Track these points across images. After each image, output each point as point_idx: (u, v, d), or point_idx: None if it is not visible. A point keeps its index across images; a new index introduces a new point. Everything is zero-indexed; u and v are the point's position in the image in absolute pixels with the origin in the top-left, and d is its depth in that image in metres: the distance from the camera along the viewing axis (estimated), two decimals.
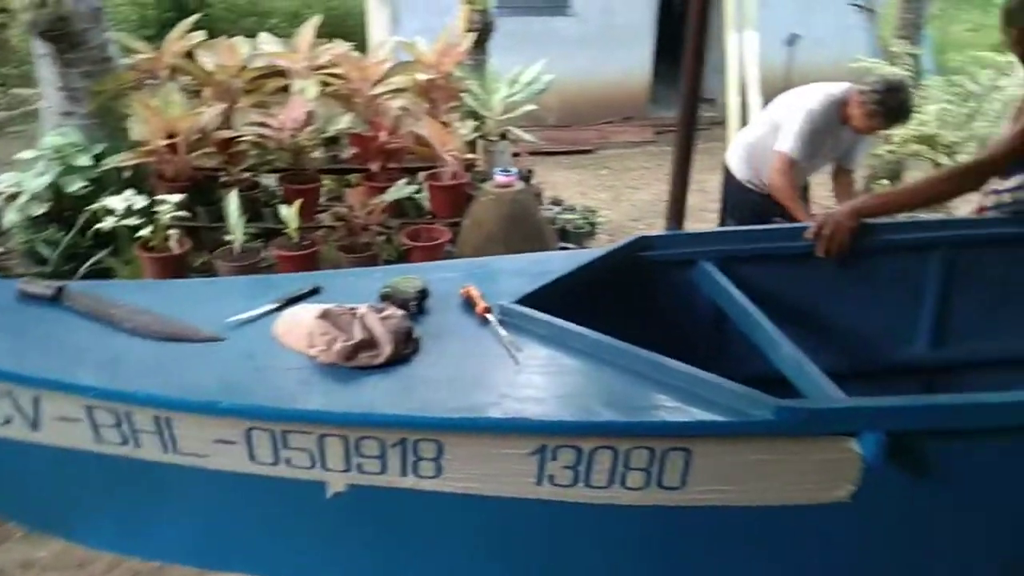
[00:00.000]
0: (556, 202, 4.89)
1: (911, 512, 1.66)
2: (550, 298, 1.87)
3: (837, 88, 3.39)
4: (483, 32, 4.90)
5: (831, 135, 3.43)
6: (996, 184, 2.36)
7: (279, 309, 1.77)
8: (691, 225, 5.19)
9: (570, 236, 4.36)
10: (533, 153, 6.24)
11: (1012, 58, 2.33)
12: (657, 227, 4.74)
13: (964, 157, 4.42)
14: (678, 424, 1.49)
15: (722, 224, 3.72)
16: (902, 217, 2.48)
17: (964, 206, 2.49)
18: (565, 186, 6.52)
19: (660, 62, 8.02)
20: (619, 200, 6.40)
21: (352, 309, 1.63)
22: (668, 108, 7.74)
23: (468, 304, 1.82)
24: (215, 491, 1.66)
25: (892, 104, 3.26)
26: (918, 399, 1.55)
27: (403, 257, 3.70)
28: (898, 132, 4.64)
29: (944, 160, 4.53)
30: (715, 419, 1.49)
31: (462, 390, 1.56)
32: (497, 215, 3.74)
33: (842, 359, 2.29)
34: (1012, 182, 2.33)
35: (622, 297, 2.08)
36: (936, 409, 1.56)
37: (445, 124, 3.99)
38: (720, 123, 6.97)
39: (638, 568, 1.72)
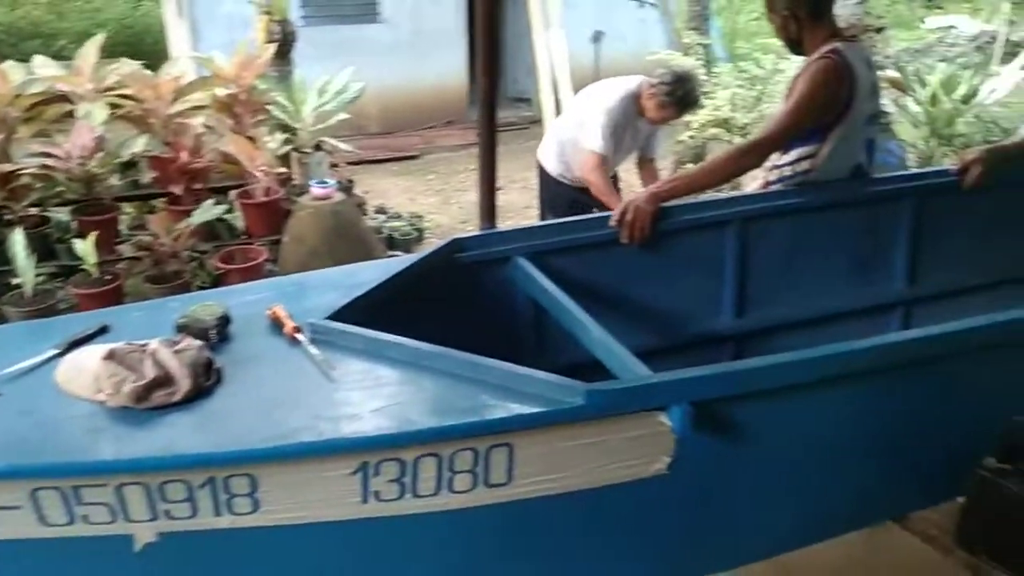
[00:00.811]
0: (381, 210, 4.83)
1: (727, 473, 1.75)
2: (364, 310, 1.82)
3: (631, 82, 3.56)
4: (284, 42, 4.76)
5: (631, 128, 3.60)
6: (777, 159, 2.54)
7: (61, 354, 1.61)
8: (517, 222, 5.31)
9: (397, 244, 4.32)
10: (358, 162, 6.14)
11: None
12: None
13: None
14: (496, 421, 1.49)
15: (543, 219, 3.80)
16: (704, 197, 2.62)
17: (752, 183, 2.68)
18: (393, 193, 6.46)
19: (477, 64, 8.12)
20: (447, 203, 6.42)
21: (143, 345, 1.51)
22: None
23: (276, 325, 1.74)
24: (2, 564, 1.49)
25: (681, 94, 3.46)
26: (716, 368, 1.64)
27: (218, 282, 3.52)
28: (696, 117, 4.94)
29: (739, 140, 4.87)
30: (531, 411, 1.50)
31: (272, 417, 1.49)
32: (318, 229, 3.64)
33: (656, 336, 2.40)
34: (791, 156, 2.53)
35: (440, 302, 2.06)
36: (732, 376, 1.65)
37: (252, 139, 3.83)
38: (538, 121, 7.15)
39: (478, 569, 1.71)
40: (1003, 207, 2.77)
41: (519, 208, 5.67)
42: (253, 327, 1.75)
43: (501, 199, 6.61)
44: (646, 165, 3.84)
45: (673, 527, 1.79)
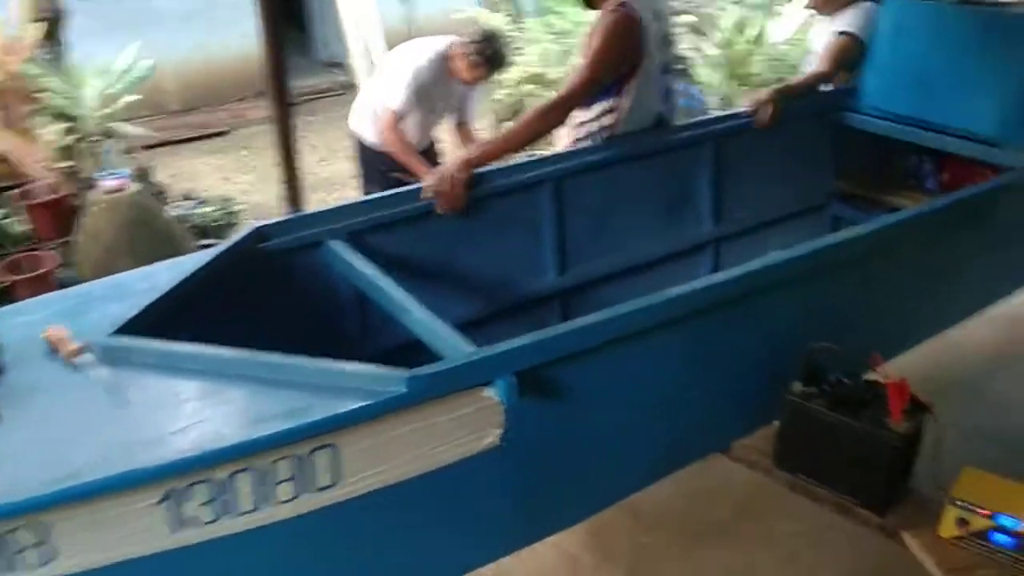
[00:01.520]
0: (188, 196, 4.49)
1: (561, 433, 1.77)
2: (160, 318, 1.67)
3: (441, 43, 3.48)
4: (54, 20, 4.26)
5: (442, 90, 3.52)
6: (581, 116, 2.56)
7: None
8: (345, 195, 5.11)
9: (209, 231, 4.04)
10: (160, 145, 5.68)
11: None
12: (313, 202, 4.59)
13: None
14: (313, 423, 1.41)
15: (365, 193, 3.67)
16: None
17: (560, 141, 2.69)
18: (205, 174, 6.05)
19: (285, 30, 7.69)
20: (265, 180, 6.04)
21: None
22: (302, 76, 7.48)
23: (54, 349, 1.55)
24: None
25: (490, 53, 3.42)
26: (535, 336, 1.63)
27: (5, 296, 3.15)
28: (510, 75, 4.93)
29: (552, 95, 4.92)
30: (351, 407, 1.43)
31: (57, 455, 1.33)
32: (114, 224, 3.34)
33: (482, 304, 2.39)
34: (594, 111, 2.56)
35: (247, 298, 1.93)
36: (551, 342, 1.65)
37: (25, 132, 3.43)
38: (354, 86, 6.88)
39: (319, 574, 1.64)
40: (793, 141, 2.96)
41: (346, 178, 5.46)
42: (29, 354, 1.55)
43: (326, 171, 6.34)
44: (462, 129, 3.79)
45: (517, 494, 1.79)
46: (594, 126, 2.59)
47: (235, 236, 2.00)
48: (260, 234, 2.01)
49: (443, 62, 3.46)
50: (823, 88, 3.07)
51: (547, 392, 1.66)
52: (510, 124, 5.40)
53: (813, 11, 3.41)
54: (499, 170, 2.39)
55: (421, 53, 3.42)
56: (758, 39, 5.16)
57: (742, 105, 2.94)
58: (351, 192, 4.57)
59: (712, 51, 5.27)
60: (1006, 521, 1.75)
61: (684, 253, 2.85)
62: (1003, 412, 3.02)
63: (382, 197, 2.24)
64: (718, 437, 2.17)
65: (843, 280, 2.17)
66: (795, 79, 3.16)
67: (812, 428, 1.97)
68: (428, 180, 2.26)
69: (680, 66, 5.36)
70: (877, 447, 1.82)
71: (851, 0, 3.11)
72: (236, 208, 4.42)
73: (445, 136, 3.87)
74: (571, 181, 2.52)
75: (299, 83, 7.37)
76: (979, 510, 1.74)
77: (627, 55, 2.42)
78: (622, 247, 2.69)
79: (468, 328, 1.79)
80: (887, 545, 1.87)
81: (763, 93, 2.90)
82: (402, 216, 2.23)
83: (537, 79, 5.03)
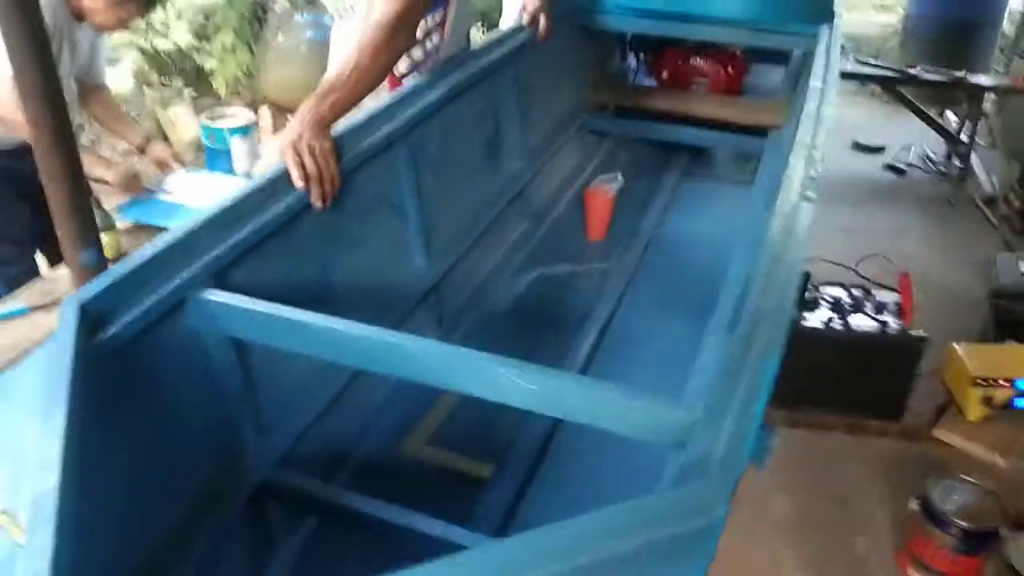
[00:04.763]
0: None
1: None
2: None
3: None
4: None
5: (66, 41, 2.38)
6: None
7: None
8: None
9: None
10: None
11: None
12: None
13: None
14: None
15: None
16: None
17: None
18: None
19: None
20: None
21: None
22: None
23: None
24: None
25: None
26: None
27: None
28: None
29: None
30: None
31: None
32: None
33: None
34: (418, 34, 1.89)
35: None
36: None
37: None
38: None
39: None
40: (557, 51, 2.65)
41: None
42: None
43: None
44: (97, 96, 2.64)
45: None
46: (419, 54, 1.94)
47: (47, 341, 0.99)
48: (90, 318, 1.02)
49: (62, 2, 2.33)
50: None
51: None
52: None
53: None
54: (349, 131, 1.62)
55: None
56: None
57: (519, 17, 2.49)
58: None
59: None
60: None
61: (513, 200, 2.39)
62: None
63: (235, 204, 1.32)
64: None
65: None
66: None
67: (821, 352, 1.78)
68: (289, 161, 1.42)
69: None
70: (905, 350, 1.71)
71: None
72: None
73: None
74: (418, 132, 1.86)
75: None
76: (999, 383, 1.74)
77: None
78: (468, 205, 2.14)
79: None
80: (910, 448, 1.80)
81: (532, 4, 2.50)
82: (269, 230, 1.37)
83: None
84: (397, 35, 1.68)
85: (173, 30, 4.29)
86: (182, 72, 4.50)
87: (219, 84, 4.53)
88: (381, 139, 1.70)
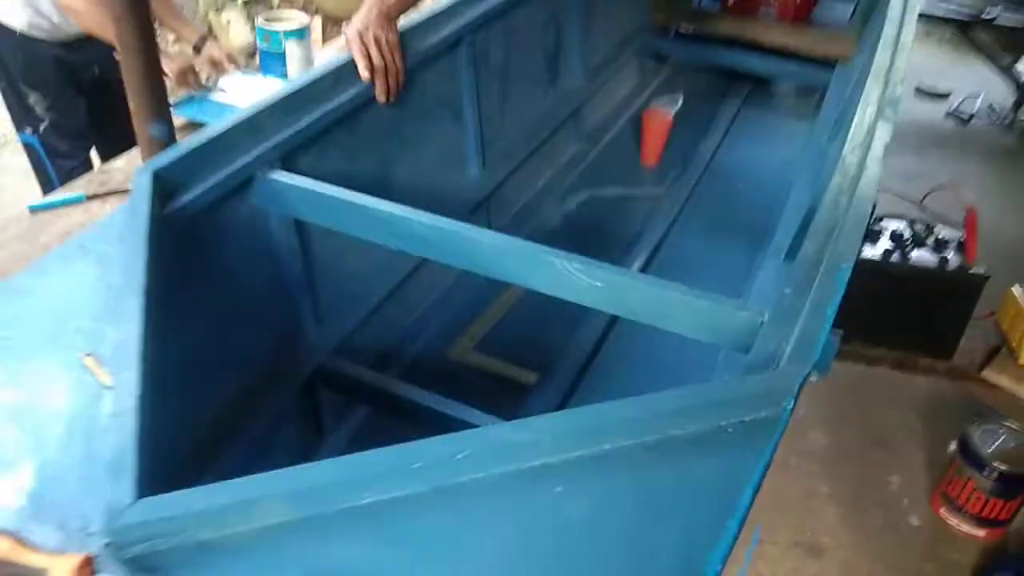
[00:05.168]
0: None
1: None
2: None
3: None
4: None
5: None
6: None
7: None
8: None
9: None
10: None
11: None
12: None
13: None
14: None
15: (25, 108, 2.35)
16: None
17: None
18: None
19: None
20: None
21: None
22: None
23: None
24: None
25: None
26: None
27: None
28: None
29: None
30: None
31: None
32: None
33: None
34: None
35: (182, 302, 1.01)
36: None
37: None
38: None
39: None
40: None
41: None
42: None
43: None
44: None
45: None
46: None
47: (119, 204, 1.01)
48: (162, 187, 1.03)
49: None
50: None
51: None
52: None
53: None
54: (413, 28, 1.60)
55: None
56: None
57: None
58: None
59: None
60: None
61: (569, 117, 2.35)
62: None
63: (301, 89, 1.32)
64: None
65: None
66: None
67: (877, 285, 1.75)
68: (356, 51, 1.41)
69: None
70: (964, 288, 1.68)
71: None
72: None
73: None
74: (481, 35, 1.83)
75: None
76: None
77: None
78: (525, 118, 2.11)
79: None
80: (960, 385, 1.79)
81: None
82: (333, 118, 1.37)
83: None
84: None
85: None
86: None
87: None
88: (444, 38, 1.67)
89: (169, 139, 1.21)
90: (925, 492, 2.12)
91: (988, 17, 4.09)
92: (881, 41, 1.74)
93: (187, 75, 2.30)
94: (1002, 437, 1.97)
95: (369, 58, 1.42)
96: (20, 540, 0.59)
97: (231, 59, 2.43)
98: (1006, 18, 4.08)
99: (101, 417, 0.76)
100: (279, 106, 1.25)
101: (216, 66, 2.39)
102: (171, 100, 2.22)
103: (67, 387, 0.80)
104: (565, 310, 1.17)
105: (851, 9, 3.26)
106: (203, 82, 2.36)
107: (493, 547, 0.69)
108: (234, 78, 2.37)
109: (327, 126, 1.35)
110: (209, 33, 2.52)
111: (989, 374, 1.83)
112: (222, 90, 2.33)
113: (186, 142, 1.10)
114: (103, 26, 2.40)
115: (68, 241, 1.02)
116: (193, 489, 0.67)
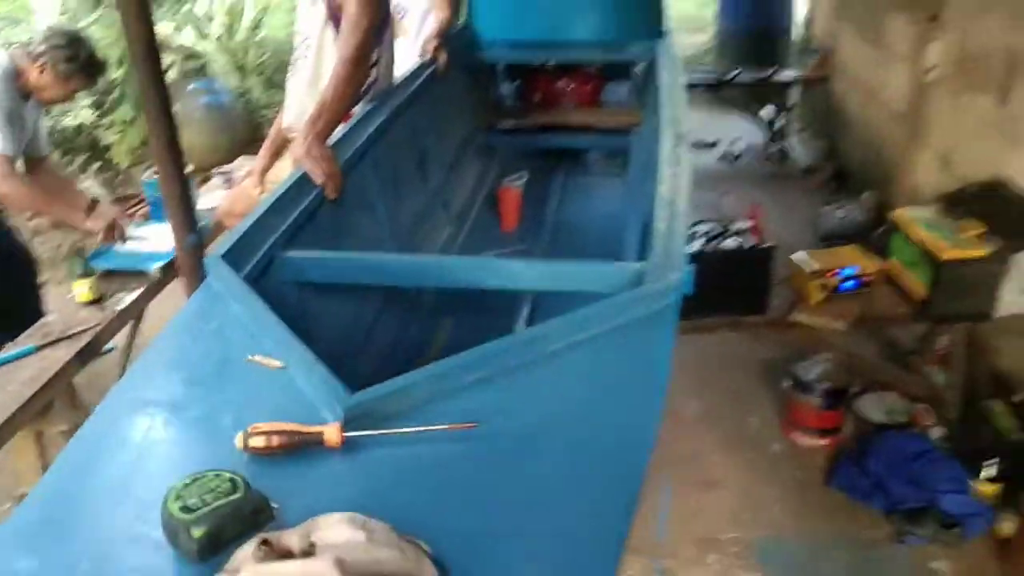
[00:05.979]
0: None
1: None
2: None
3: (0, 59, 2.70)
4: None
5: (20, 118, 2.74)
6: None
7: None
8: None
9: None
10: None
11: None
12: None
13: None
14: None
15: None
16: None
17: None
18: None
19: None
20: None
21: None
22: None
23: None
24: None
25: (85, 56, 2.77)
26: None
27: None
28: None
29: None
30: None
31: None
32: None
33: None
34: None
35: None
36: None
37: None
38: None
39: None
40: (462, 76, 3.25)
41: None
42: None
43: None
44: (39, 166, 2.98)
45: None
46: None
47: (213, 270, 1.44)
48: (233, 259, 1.48)
49: (13, 80, 2.69)
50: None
51: None
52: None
53: None
54: (334, 144, 2.11)
55: None
56: (256, 24, 5.08)
57: (421, 57, 3.03)
58: None
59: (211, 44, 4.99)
60: (846, 272, 2.48)
61: (437, 210, 2.91)
62: None
63: (284, 193, 1.78)
64: None
65: None
66: (432, 27, 3.33)
67: (701, 271, 2.37)
68: (309, 165, 1.89)
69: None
70: (761, 258, 2.34)
71: None
72: None
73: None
74: (380, 145, 2.36)
75: None
76: (828, 275, 2.41)
77: None
78: (411, 211, 2.64)
79: None
80: (778, 332, 2.43)
81: (429, 43, 3.06)
82: (306, 213, 1.84)
83: None
84: (360, 65, 2.18)
85: (77, 107, 4.54)
86: (82, 148, 4.74)
87: (120, 155, 4.79)
88: (356, 150, 2.18)
89: (201, 246, 1.61)
90: (777, 423, 2.77)
91: (731, 77, 5.16)
92: (661, 104, 2.45)
93: (112, 230, 2.67)
94: (819, 366, 2.65)
95: (317, 169, 1.90)
96: (301, 425, 1.01)
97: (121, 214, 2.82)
98: (746, 76, 5.17)
99: (297, 376, 1.19)
100: (273, 209, 1.72)
101: (112, 228, 2.74)
102: (87, 254, 2.57)
103: (268, 377, 1.21)
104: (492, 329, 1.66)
105: (626, 89, 4.09)
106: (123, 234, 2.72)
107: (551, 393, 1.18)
108: (139, 229, 2.78)
109: (301, 225, 1.81)
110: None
111: (795, 316, 2.52)
112: (132, 238, 2.72)
113: (228, 237, 1.54)
114: (36, 205, 2.75)
115: (166, 329, 1.39)
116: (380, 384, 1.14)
